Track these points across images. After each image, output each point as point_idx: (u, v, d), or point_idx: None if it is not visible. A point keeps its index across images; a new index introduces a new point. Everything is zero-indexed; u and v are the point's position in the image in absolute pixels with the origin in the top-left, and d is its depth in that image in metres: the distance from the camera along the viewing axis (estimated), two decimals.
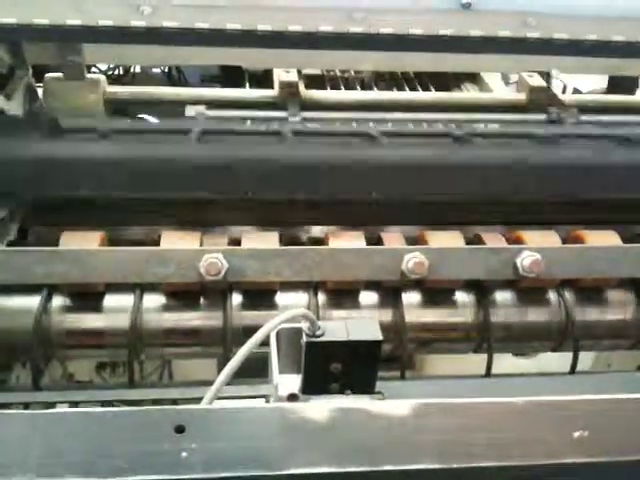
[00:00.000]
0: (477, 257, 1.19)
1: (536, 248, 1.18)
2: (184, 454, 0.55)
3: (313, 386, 0.94)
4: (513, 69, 1.70)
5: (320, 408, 0.68)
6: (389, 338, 1.26)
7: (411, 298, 1.30)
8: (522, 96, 1.78)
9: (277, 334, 0.95)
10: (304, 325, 0.95)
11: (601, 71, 1.80)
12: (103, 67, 2.57)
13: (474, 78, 2.24)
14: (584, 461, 0.56)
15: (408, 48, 1.28)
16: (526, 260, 1.16)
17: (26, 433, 0.59)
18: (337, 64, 1.80)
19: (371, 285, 1.28)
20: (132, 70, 3.00)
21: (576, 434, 0.57)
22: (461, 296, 1.31)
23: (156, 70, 3.20)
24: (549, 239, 1.28)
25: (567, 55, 1.35)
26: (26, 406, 1.08)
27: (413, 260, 1.14)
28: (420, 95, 2.02)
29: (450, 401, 0.67)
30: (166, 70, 3.23)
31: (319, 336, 0.94)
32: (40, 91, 1.64)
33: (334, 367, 0.95)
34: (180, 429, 0.59)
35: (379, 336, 0.95)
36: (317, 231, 1.41)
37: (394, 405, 0.68)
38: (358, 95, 1.97)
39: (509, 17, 1.25)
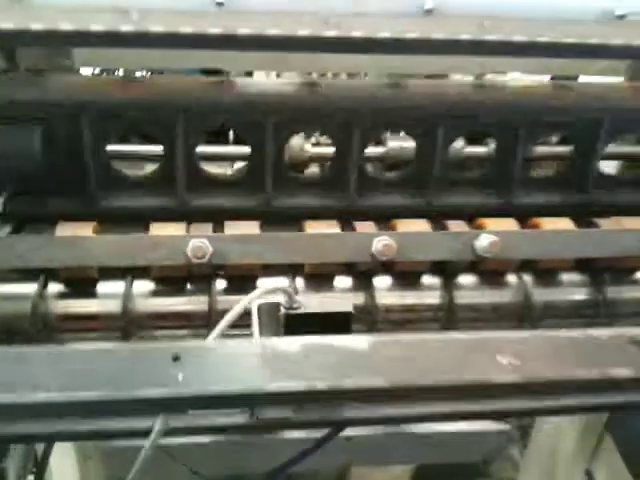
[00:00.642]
0: (441, 240, 1.30)
1: (493, 231, 1.29)
2: (180, 375, 0.65)
3: None
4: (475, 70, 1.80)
5: (294, 342, 0.79)
6: (362, 319, 1.37)
7: (382, 282, 1.40)
8: None
9: (258, 308, 1.05)
10: (283, 300, 1.05)
11: (560, 72, 1.91)
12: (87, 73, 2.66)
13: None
14: (511, 381, 0.67)
15: (378, 50, 1.38)
16: (484, 242, 1.27)
17: (48, 363, 0.69)
18: (315, 67, 1.89)
19: (346, 270, 1.38)
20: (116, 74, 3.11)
21: (505, 361, 0.68)
22: (428, 279, 1.42)
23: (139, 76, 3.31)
24: (507, 224, 1.39)
25: (523, 56, 1.46)
26: None
27: (382, 242, 1.24)
28: None
29: (400, 337, 0.79)
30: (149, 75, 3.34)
31: (296, 309, 1.04)
32: None
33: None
34: (176, 358, 0.69)
35: (350, 308, 1.06)
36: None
37: (354, 340, 0.79)
38: None
39: (469, 21, 1.36)
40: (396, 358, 0.75)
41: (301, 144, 1.69)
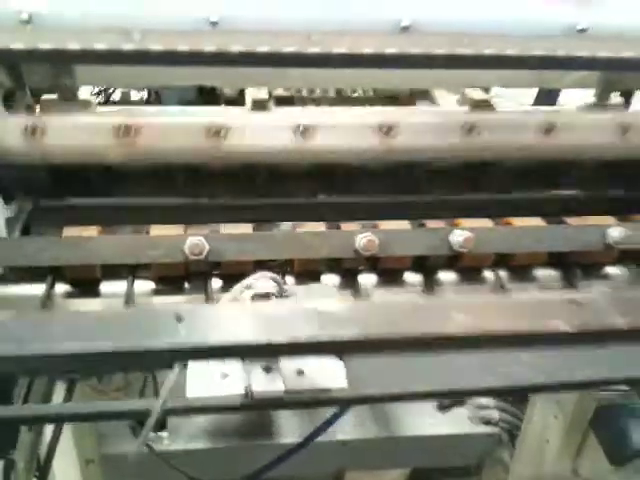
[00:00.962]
0: (419, 236, 1.41)
1: (468, 228, 1.40)
2: (183, 331, 0.76)
3: None
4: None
5: (281, 306, 0.90)
6: None
7: (367, 279, 1.51)
8: (465, 109, 2.03)
9: (251, 297, 1.15)
10: (273, 288, 1.16)
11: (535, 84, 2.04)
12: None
13: (426, 96, 2.49)
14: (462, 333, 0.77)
15: (359, 65, 1.50)
16: (459, 237, 1.38)
17: (65, 322, 0.79)
18: (302, 83, 2.01)
19: (332, 268, 1.49)
20: (112, 97, 3.25)
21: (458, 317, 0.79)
22: (410, 276, 1.53)
23: (134, 97, 3.45)
24: (482, 223, 1.51)
25: (494, 68, 1.58)
26: None
27: (365, 238, 1.35)
28: (377, 109, 2.25)
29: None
30: (145, 96, 3.48)
31: (285, 298, 1.15)
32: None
33: None
34: (179, 318, 0.79)
35: (333, 295, 1.16)
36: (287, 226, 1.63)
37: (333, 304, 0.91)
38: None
39: (442, 37, 1.48)
40: (369, 315, 0.87)
41: None
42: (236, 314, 0.92)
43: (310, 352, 0.91)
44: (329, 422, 1.23)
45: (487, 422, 3.12)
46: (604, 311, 0.98)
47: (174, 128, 1.49)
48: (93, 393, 2.75)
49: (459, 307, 0.94)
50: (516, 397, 2.99)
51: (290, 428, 2.83)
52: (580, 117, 1.67)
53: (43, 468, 1.96)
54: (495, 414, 3.13)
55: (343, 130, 1.50)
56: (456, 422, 3.10)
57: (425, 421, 3.06)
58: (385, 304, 0.96)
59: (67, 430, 2.13)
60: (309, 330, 0.89)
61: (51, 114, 1.74)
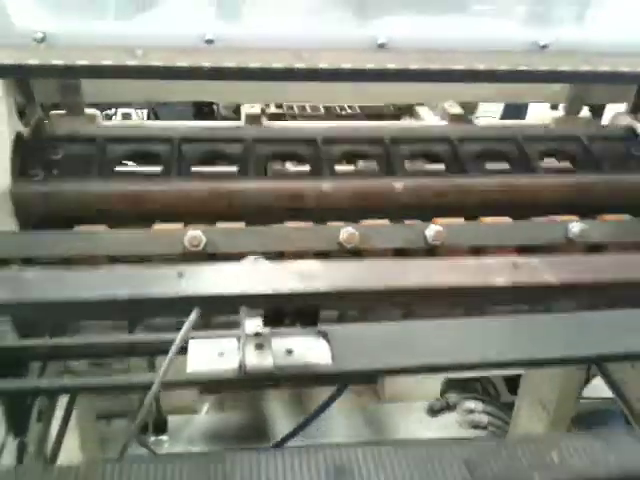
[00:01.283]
0: (397, 231, 1.56)
1: (441, 223, 1.55)
2: (184, 283, 0.90)
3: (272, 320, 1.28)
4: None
5: (274, 266, 1.05)
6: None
7: None
8: (445, 122, 2.19)
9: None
10: None
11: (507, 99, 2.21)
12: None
13: (411, 111, 2.67)
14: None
15: (340, 79, 1.66)
16: (432, 232, 1.52)
17: (84, 279, 0.93)
18: (291, 98, 2.18)
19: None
20: (114, 117, 3.43)
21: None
22: None
23: (134, 116, 3.64)
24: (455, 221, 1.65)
25: (463, 82, 1.74)
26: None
27: (347, 232, 1.49)
28: (363, 124, 2.42)
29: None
30: (145, 115, 3.67)
31: None
32: None
33: None
34: (181, 274, 0.94)
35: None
36: None
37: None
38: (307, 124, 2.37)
39: (416, 53, 1.65)
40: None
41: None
42: (233, 270, 1.08)
43: (290, 301, 1.06)
44: (332, 399, 1.37)
45: (476, 426, 3.23)
46: (539, 270, 1.13)
47: None
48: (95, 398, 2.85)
49: (416, 267, 1.10)
50: None
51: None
52: None
53: (52, 455, 2.04)
54: (484, 418, 3.24)
55: None
56: (446, 426, 3.21)
57: (415, 426, 3.17)
58: (355, 264, 1.12)
59: (72, 435, 2.22)
60: (291, 285, 1.05)
61: None
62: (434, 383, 3.30)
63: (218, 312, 1.13)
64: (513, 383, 3.11)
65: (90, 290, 1.02)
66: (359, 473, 0.93)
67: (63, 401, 1.88)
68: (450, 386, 3.33)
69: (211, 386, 2.08)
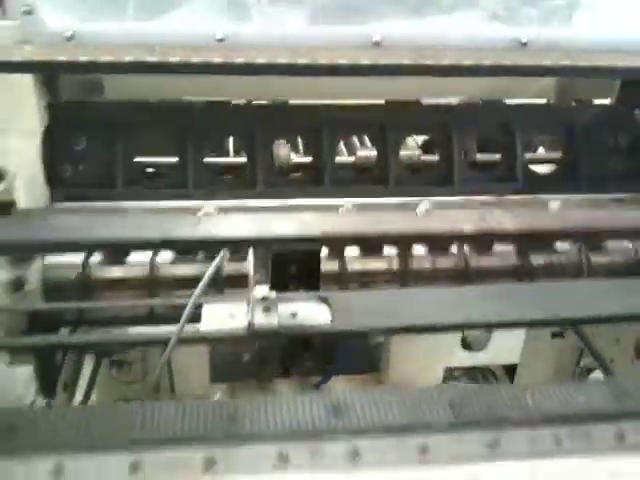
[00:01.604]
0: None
1: (430, 200, 1.71)
2: (200, 229, 1.09)
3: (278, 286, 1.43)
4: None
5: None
6: (336, 280, 1.76)
7: (351, 251, 1.80)
8: None
9: (254, 252, 1.45)
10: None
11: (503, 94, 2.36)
12: None
13: None
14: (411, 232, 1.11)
15: (338, 74, 1.82)
16: (422, 207, 1.68)
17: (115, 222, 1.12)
18: (292, 95, 2.33)
19: None
20: None
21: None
22: (388, 250, 1.81)
23: None
24: None
25: (452, 76, 1.89)
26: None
27: None
28: None
29: None
30: None
31: None
32: None
33: (292, 269, 1.46)
34: (197, 222, 1.13)
35: (318, 248, 1.47)
36: None
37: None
38: None
39: (408, 50, 1.81)
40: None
41: (287, 153, 2.14)
42: (235, 221, 1.28)
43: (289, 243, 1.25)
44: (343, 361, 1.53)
45: None
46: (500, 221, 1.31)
47: None
48: (112, 382, 3.01)
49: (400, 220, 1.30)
50: None
51: None
52: None
53: None
54: None
55: None
56: None
57: None
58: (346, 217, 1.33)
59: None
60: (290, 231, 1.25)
61: None
62: (436, 370, 3.40)
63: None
64: (512, 372, 3.23)
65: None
66: (354, 412, 1.03)
67: (86, 374, 2.03)
68: (452, 374, 3.44)
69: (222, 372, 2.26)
